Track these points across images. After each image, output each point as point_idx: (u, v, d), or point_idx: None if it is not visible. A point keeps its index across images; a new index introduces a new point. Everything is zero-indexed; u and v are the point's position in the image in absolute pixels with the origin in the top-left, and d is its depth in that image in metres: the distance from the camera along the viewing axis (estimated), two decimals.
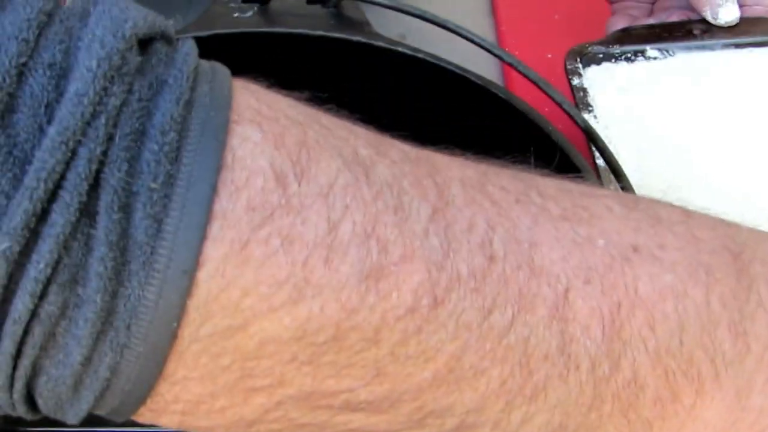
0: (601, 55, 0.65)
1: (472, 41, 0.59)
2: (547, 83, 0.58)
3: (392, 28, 0.68)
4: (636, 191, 0.55)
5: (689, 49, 0.64)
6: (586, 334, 0.30)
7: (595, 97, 0.63)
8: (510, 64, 0.59)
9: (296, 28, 0.60)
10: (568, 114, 0.57)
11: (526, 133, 0.57)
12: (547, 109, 0.59)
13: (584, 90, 0.63)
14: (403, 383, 0.29)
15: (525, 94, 0.61)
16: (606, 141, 0.56)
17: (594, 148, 0.58)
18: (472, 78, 0.58)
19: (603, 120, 0.62)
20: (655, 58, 0.64)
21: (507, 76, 0.76)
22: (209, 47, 0.61)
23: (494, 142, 0.56)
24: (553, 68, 0.78)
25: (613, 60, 0.65)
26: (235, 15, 0.61)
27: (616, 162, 0.55)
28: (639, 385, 0.30)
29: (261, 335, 0.27)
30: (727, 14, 0.62)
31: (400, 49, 0.60)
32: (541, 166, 0.56)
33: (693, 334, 0.31)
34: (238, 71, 0.62)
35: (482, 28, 0.81)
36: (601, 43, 0.67)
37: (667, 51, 0.64)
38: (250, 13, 0.61)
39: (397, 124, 0.58)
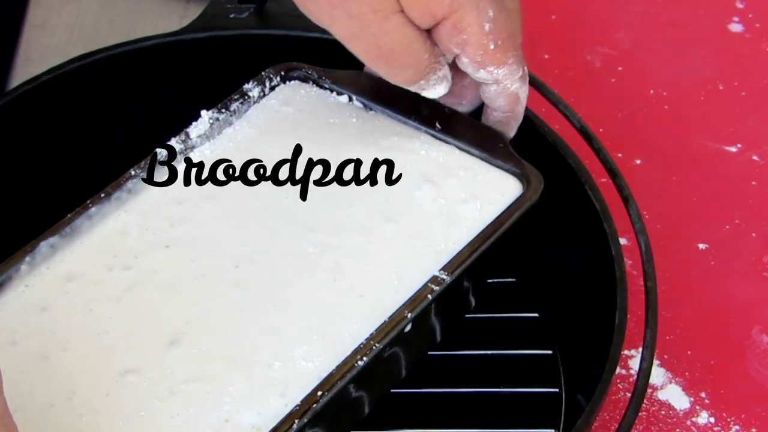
0: (311, 79, 0.57)
1: None
2: (543, 84, 0.58)
3: None
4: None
5: (389, 116, 0.56)
6: None
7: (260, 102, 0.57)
8: None
9: (292, 29, 0.61)
10: (564, 115, 0.57)
11: (521, 134, 0.57)
12: (543, 110, 0.59)
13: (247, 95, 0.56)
14: None
15: None
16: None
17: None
18: None
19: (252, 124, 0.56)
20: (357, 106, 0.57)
21: None
22: (206, 48, 0.61)
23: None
24: (550, 69, 0.78)
25: (315, 85, 0.57)
26: (231, 16, 0.61)
27: (612, 162, 0.55)
28: None
29: None
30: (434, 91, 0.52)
31: None
32: (536, 167, 0.56)
33: None
34: (234, 72, 0.62)
35: None
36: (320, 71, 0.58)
37: (370, 107, 0.56)
38: (246, 14, 0.61)
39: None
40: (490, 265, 0.54)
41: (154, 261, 0.50)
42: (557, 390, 0.58)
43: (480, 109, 0.55)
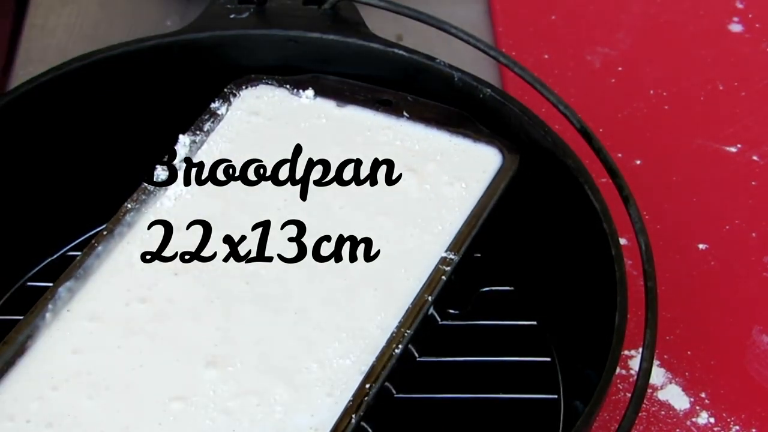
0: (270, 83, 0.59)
1: (469, 42, 0.60)
2: (543, 84, 0.58)
3: (389, 30, 0.68)
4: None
5: (356, 111, 0.57)
6: None
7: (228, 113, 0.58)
8: (506, 65, 0.59)
9: (292, 29, 0.61)
10: (564, 115, 0.57)
11: (521, 134, 0.57)
12: (543, 110, 0.59)
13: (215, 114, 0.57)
14: None
15: (521, 95, 0.61)
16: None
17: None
18: (469, 79, 0.59)
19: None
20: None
21: (503, 77, 0.76)
22: (206, 48, 0.61)
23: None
24: (550, 69, 0.78)
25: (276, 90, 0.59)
26: (232, 16, 0.61)
27: (612, 162, 0.55)
28: None
29: None
30: None
31: (396, 50, 0.60)
32: (536, 167, 0.56)
33: None
34: (234, 72, 0.62)
35: (479, 29, 0.81)
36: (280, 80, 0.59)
37: (335, 105, 0.58)
38: (246, 15, 0.61)
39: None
40: (488, 241, 0.55)
41: (168, 290, 0.50)
42: (555, 396, 0.58)
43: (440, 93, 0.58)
